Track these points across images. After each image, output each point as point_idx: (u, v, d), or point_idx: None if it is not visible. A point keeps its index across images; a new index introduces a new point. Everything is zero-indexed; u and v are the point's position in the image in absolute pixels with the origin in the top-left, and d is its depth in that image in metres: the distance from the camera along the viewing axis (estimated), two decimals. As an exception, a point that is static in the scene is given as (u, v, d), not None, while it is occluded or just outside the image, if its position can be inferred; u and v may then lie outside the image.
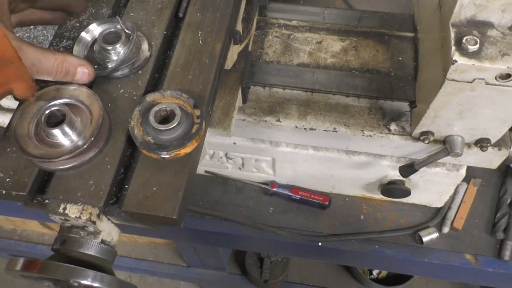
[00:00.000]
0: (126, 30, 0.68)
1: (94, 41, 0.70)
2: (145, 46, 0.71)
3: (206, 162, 1.15)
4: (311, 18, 1.06)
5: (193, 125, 0.62)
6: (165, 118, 0.63)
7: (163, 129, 0.60)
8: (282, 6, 1.09)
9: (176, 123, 0.60)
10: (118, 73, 0.68)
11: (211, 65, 0.70)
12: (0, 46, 0.50)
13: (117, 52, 0.67)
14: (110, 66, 0.67)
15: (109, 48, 0.67)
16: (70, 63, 0.61)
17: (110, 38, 0.69)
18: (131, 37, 0.68)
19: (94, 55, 0.69)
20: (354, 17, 1.06)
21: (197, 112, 0.63)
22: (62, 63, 0.59)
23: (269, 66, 0.99)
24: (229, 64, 0.88)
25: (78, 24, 0.75)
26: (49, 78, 0.60)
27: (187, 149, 0.61)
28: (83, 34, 0.71)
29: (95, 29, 0.71)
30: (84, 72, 0.62)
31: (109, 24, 0.70)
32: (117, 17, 0.70)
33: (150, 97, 0.64)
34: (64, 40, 0.73)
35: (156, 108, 0.62)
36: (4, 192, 0.59)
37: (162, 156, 0.61)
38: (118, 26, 0.69)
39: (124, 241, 2.03)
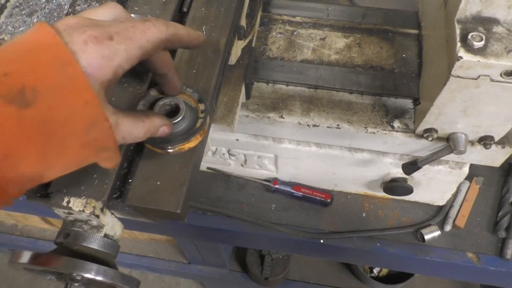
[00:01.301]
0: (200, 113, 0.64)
1: None
2: None
3: (208, 158, 1.15)
4: (315, 14, 1.06)
5: (198, 120, 0.62)
6: (169, 113, 0.63)
7: None
8: (286, 2, 1.09)
9: (180, 118, 0.60)
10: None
11: (215, 59, 0.69)
12: (103, 137, 0.47)
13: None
14: None
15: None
16: (155, 126, 0.56)
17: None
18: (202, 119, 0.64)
19: None
20: (358, 14, 1.06)
21: (201, 107, 0.62)
22: (149, 129, 0.55)
23: (273, 62, 0.98)
24: (233, 59, 0.87)
25: None
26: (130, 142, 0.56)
27: (192, 144, 0.61)
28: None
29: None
30: (164, 131, 0.58)
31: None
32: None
33: (154, 91, 0.63)
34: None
35: (160, 103, 0.61)
36: (7, 185, 0.59)
37: (166, 150, 0.61)
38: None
39: (125, 237, 2.03)
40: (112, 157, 0.51)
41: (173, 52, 0.72)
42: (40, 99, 0.41)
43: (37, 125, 0.42)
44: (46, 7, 0.96)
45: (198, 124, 0.61)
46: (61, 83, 0.42)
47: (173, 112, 0.62)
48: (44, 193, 0.61)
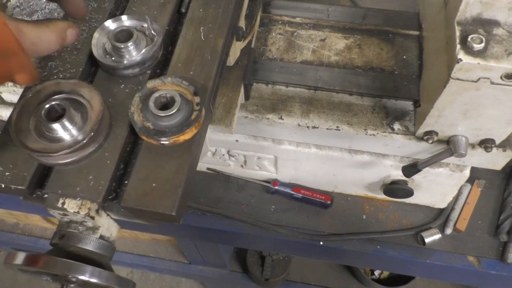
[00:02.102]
0: (152, 32, 0.68)
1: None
2: (157, 45, 0.70)
3: (208, 159, 1.15)
4: (315, 15, 1.06)
5: (193, 112, 0.62)
6: (165, 105, 0.63)
7: (163, 115, 0.60)
8: (286, 3, 1.08)
9: (175, 110, 0.60)
10: (129, 72, 0.68)
11: (213, 61, 0.69)
12: (1, 37, 0.47)
13: (130, 51, 0.67)
14: (126, 63, 0.67)
15: (123, 46, 0.66)
16: (62, 29, 0.57)
17: (122, 36, 0.68)
18: (156, 39, 0.67)
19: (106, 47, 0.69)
20: (359, 15, 1.05)
21: (196, 99, 0.63)
22: (58, 32, 0.56)
23: (272, 63, 0.98)
24: (231, 60, 0.87)
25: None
26: (49, 53, 0.57)
27: (186, 136, 0.61)
28: (108, 22, 0.69)
29: (123, 21, 0.70)
30: (72, 33, 0.59)
31: (137, 21, 0.69)
32: (146, 16, 0.69)
33: (150, 84, 0.64)
34: None
35: (156, 95, 0.62)
36: (3, 186, 0.59)
37: (161, 142, 0.61)
38: (145, 25, 0.68)
39: (126, 237, 2.03)
40: (24, 64, 0.51)
41: (170, 54, 0.71)
42: None
43: None
44: (47, 7, 0.96)
45: (193, 117, 0.61)
46: None
47: (168, 105, 0.62)
48: (40, 194, 0.61)
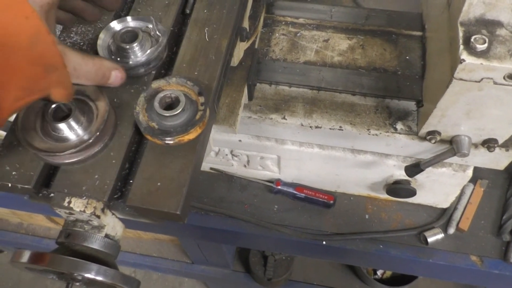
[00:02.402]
0: (157, 33, 0.68)
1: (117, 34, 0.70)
2: (161, 45, 0.70)
3: (211, 159, 1.15)
4: (318, 16, 1.06)
5: (197, 112, 0.62)
6: (170, 105, 0.64)
7: (167, 115, 0.60)
8: (289, 4, 1.09)
9: (180, 110, 0.61)
10: (134, 72, 0.68)
11: (217, 61, 0.70)
12: (48, 53, 0.50)
13: (135, 52, 0.67)
14: (131, 63, 0.67)
15: (128, 47, 0.67)
16: (107, 67, 0.61)
17: (127, 37, 0.68)
18: (160, 40, 0.68)
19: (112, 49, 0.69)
20: (362, 15, 1.05)
21: (201, 99, 0.63)
22: (100, 67, 0.60)
23: (276, 63, 0.98)
24: (235, 61, 0.88)
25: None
26: (86, 83, 0.60)
27: (191, 136, 0.62)
28: (113, 23, 0.70)
29: (129, 22, 0.70)
30: (117, 76, 0.63)
31: (141, 21, 0.70)
32: (151, 17, 0.70)
33: (155, 84, 0.64)
34: (72, 35, 0.73)
35: (161, 95, 0.62)
36: (10, 185, 0.59)
37: (166, 142, 0.61)
38: (150, 26, 0.69)
39: (129, 237, 2.03)
40: (63, 81, 0.53)
41: (174, 55, 0.72)
42: None
43: None
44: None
45: (197, 116, 0.62)
46: (2, 1, 0.46)
47: (173, 105, 0.63)
48: (46, 193, 0.61)
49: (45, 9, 0.53)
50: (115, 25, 0.70)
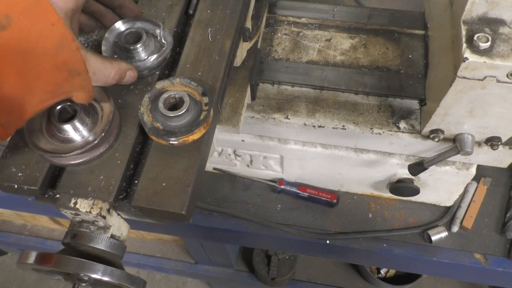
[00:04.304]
0: (163, 40, 0.69)
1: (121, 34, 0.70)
2: (165, 46, 0.70)
3: (214, 159, 1.15)
4: (320, 15, 1.06)
5: (201, 112, 0.63)
6: (174, 105, 0.64)
7: (172, 115, 0.61)
8: (291, 4, 1.09)
9: (184, 110, 0.61)
10: (138, 73, 0.68)
11: (220, 62, 0.70)
12: (72, 59, 0.52)
13: (139, 53, 0.68)
14: (138, 65, 0.68)
15: (132, 47, 0.67)
16: (124, 69, 0.64)
17: (131, 38, 0.69)
18: (164, 48, 0.69)
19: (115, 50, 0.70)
20: (364, 15, 1.05)
21: (205, 100, 0.63)
22: (118, 70, 0.62)
23: (278, 63, 0.99)
24: (238, 61, 0.88)
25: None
26: (105, 85, 0.62)
27: (195, 136, 0.62)
28: (118, 24, 0.70)
29: (131, 24, 0.71)
30: (131, 75, 0.65)
31: (148, 23, 0.71)
32: (160, 23, 0.71)
33: (159, 85, 0.65)
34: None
35: (165, 95, 0.63)
36: (16, 186, 0.60)
37: (170, 142, 0.62)
38: (158, 31, 0.70)
39: (132, 237, 2.04)
40: (85, 85, 0.56)
41: (178, 55, 0.72)
42: (13, 23, 0.47)
43: (13, 45, 0.47)
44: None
45: (202, 117, 0.62)
46: (29, 9, 0.48)
47: (177, 105, 0.63)
48: (52, 194, 0.62)
49: (69, 15, 0.55)
50: (120, 25, 0.70)
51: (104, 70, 0.60)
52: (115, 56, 0.68)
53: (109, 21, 0.72)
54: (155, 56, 0.68)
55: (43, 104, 0.53)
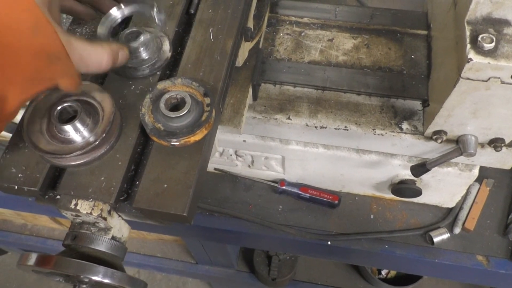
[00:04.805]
0: (157, 21, 0.68)
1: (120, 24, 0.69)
2: (166, 46, 0.70)
3: (215, 159, 1.15)
4: (322, 15, 1.06)
5: (203, 113, 0.62)
6: (176, 106, 0.63)
7: (173, 116, 0.60)
8: (293, 3, 1.08)
9: (186, 111, 0.60)
10: (139, 73, 0.68)
11: (222, 62, 0.69)
12: (50, 43, 0.50)
13: (140, 52, 0.67)
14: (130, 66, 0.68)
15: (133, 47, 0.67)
16: (116, 51, 0.60)
17: (132, 38, 0.68)
18: (162, 22, 0.68)
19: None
20: (366, 15, 1.05)
21: (207, 100, 0.63)
22: (111, 53, 0.59)
23: (280, 63, 0.98)
24: (240, 61, 0.87)
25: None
26: (98, 71, 0.59)
27: (197, 137, 0.61)
28: (113, 11, 0.69)
29: (126, 9, 0.69)
30: (123, 56, 0.62)
31: (143, 6, 0.69)
32: (154, 2, 0.68)
33: (161, 85, 0.64)
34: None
35: (166, 96, 0.62)
36: (16, 187, 0.59)
37: (172, 143, 0.61)
38: (154, 11, 0.67)
39: (133, 237, 2.03)
40: (68, 71, 0.53)
41: (179, 55, 0.72)
42: None
43: None
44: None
45: (203, 118, 0.62)
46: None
47: (179, 106, 0.63)
48: (52, 195, 0.61)
49: (46, 2, 0.53)
50: (115, 12, 0.69)
51: (94, 54, 0.57)
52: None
53: (107, 8, 0.70)
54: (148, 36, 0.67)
55: (26, 93, 0.51)
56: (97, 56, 0.57)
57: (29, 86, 0.51)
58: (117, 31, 0.71)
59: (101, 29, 0.68)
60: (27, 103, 0.63)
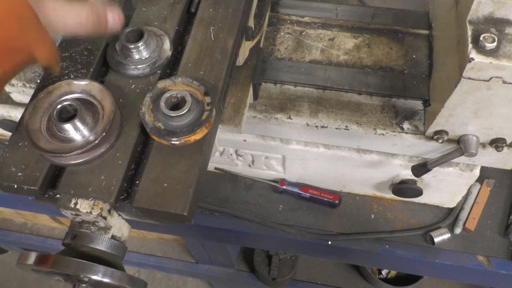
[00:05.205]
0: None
1: None
2: (166, 45, 0.70)
3: (216, 158, 1.15)
4: (323, 14, 1.05)
5: (203, 112, 0.62)
6: (176, 105, 0.63)
7: (174, 115, 0.60)
8: (294, 2, 1.08)
9: (186, 110, 0.60)
10: (139, 72, 0.68)
11: (223, 61, 0.69)
12: (16, 3, 0.46)
13: (140, 51, 0.67)
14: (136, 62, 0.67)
15: (133, 46, 0.66)
16: (99, 10, 0.54)
17: (132, 37, 0.68)
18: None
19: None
20: (368, 14, 1.05)
21: (207, 100, 0.62)
22: (91, 11, 0.53)
23: (281, 62, 0.98)
24: (240, 60, 0.87)
25: None
26: (82, 33, 0.54)
27: (197, 136, 0.61)
28: None
29: None
30: (114, 19, 0.56)
31: None
32: None
33: (161, 84, 0.64)
34: None
35: (167, 95, 0.62)
36: (15, 186, 0.59)
37: (172, 142, 0.61)
38: None
39: (133, 236, 2.03)
40: (42, 37, 0.49)
41: (180, 54, 0.72)
42: None
43: None
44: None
45: (204, 117, 0.61)
46: None
47: (179, 105, 0.62)
48: (52, 194, 0.61)
49: None
50: None
51: (71, 12, 0.51)
52: (118, 56, 0.67)
53: None
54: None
55: (2, 66, 0.48)
56: (76, 14, 0.52)
57: (4, 57, 0.47)
58: None
59: None
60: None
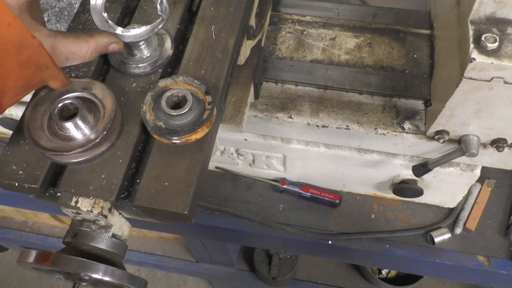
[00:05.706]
0: (159, 7, 0.66)
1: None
2: (168, 44, 0.70)
3: (216, 158, 1.15)
4: (325, 14, 1.05)
5: (204, 111, 0.62)
6: (177, 104, 0.63)
7: (175, 114, 0.60)
8: (295, 2, 1.08)
9: (187, 109, 0.60)
10: (140, 71, 0.68)
11: (224, 60, 0.69)
12: (36, 55, 0.52)
13: (142, 50, 0.68)
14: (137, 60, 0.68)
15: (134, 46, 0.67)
16: (103, 45, 0.61)
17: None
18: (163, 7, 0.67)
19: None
20: (369, 14, 1.04)
21: (208, 99, 0.63)
22: (96, 48, 0.60)
23: (282, 62, 0.98)
24: (241, 59, 0.87)
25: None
26: (84, 62, 0.61)
27: (198, 135, 0.61)
28: None
29: None
30: (114, 48, 0.64)
31: None
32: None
33: (162, 83, 0.64)
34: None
35: (168, 94, 0.62)
36: (16, 184, 0.59)
37: (173, 141, 0.61)
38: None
39: (133, 235, 2.03)
40: (56, 75, 0.56)
41: (181, 53, 0.72)
42: None
43: None
44: (57, 5, 0.97)
45: (205, 116, 0.61)
46: None
47: (180, 104, 0.62)
48: (53, 192, 0.61)
49: (24, 8, 0.52)
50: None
51: (78, 52, 0.58)
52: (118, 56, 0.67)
53: None
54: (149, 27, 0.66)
55: (18, 97, 0.54)
56: (81, 53, 0.59)
57: (20, 90, 0.54)
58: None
59: (94, 11, 0.65)
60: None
